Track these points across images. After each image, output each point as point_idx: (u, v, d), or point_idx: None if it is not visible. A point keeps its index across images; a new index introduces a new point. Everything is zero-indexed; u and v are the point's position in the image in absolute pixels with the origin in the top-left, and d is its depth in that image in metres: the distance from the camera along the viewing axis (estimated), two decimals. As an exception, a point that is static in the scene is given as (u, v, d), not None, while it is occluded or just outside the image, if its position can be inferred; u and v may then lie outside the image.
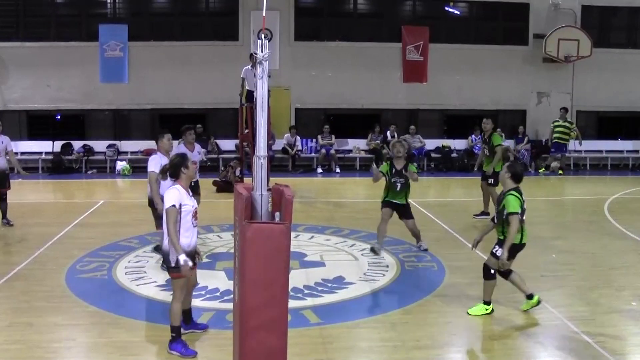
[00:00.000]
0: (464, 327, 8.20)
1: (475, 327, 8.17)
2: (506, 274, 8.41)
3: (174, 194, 7.11)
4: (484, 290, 8.49)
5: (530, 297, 8.50)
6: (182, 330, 7.35)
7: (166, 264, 7.30)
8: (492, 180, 13.82)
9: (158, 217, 9.58)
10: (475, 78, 24.29)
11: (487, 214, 13.92)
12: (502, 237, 8.19)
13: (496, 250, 8.23)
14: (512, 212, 7.95)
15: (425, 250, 11.37)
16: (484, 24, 25.07)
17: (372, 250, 11.27)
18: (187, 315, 7.70)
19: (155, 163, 9.93)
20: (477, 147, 23.80)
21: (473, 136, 24.02)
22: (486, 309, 8.45)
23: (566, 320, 8.19)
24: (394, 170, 11.15)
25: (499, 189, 12.20)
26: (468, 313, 8.47)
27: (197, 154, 12.69)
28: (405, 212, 11.37)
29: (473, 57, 24.18)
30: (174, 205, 7.03)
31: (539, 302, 8.48)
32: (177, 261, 6.97)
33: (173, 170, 7.32)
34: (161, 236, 7.67)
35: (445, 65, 23.88)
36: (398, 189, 11.13)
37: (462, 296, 9.14)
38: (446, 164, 23.61)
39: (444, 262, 10.74)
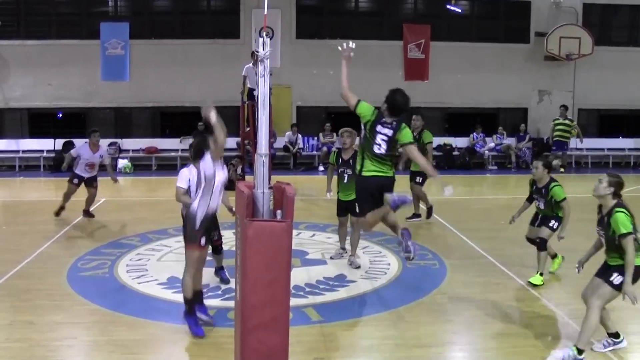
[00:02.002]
0: (466, 325, 8.19)
1: (477, 325, 8.16)
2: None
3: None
4: (538, 261, 9.49)
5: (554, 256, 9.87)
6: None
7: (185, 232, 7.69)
8: (421, 179, 13.54)
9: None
10: (476, 76, 24.32)
11: (419, 215, 13.92)
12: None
13: (552, 224, 9.40)
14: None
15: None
16: (485, 22, 25.12)
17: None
18: (198, 296, 7.84)
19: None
20: (478, 145, 23.89)
21: (474, 134, 24.08)
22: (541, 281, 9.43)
23: (568, 318, 8.18)
24: (340, 160, 10.64)
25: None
26: (529, 281, 9.46)
27: (98, 156, 13.76)
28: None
29: (474, 55, 24.21)
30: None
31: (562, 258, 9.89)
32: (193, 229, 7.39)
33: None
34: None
35: (447, 63, 23.87)
36: (345, 180, 10.47)
37: (463, 294, 9.14)
38: (447, 162, 23.58)
39: (445, 260, 10.73)
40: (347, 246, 10.76)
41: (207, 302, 8.56)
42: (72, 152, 13.99)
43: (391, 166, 8.08)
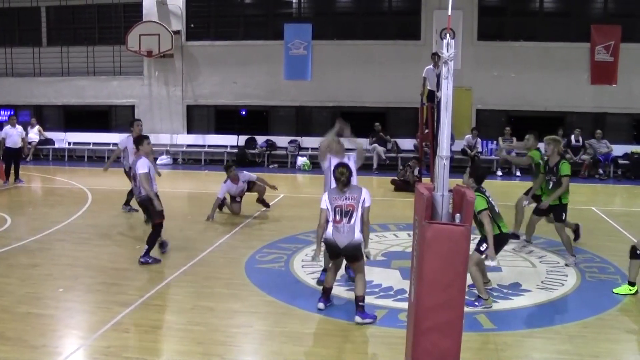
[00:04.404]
0: (648, 344, 7.75)
1: (662, 345, 7.69)
2: None
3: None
4: (629, 270, 9.17)
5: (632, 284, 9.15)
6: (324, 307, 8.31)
7: (359, 254, 8.03)
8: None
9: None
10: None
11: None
12: None
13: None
14: None
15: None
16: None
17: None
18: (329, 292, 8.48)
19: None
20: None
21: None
22: (630, 290, 9.07)
23: None
24: (547, 167, 11.09)
25: None
26: (613, 292, 9.14)
27: (242, 184, 14.22)
28: None
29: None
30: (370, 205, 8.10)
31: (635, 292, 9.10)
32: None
33: (348, 180, 8.11)
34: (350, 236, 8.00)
35: (638, 66, 22.57)
36: (550, 186, 10.91)
37: (647, 312, 8.63)
38: (635, 171, 22.27)
39: (628, 277, 10.16)
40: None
41: (379, 302, 8.62)
42: (220, 195, 13.98)
43: None
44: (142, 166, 10.42)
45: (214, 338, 7.40)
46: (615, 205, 17.62)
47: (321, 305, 8.28)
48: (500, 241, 8.73)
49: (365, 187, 8.07)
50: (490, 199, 8.64)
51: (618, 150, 22.75)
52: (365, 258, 8.10)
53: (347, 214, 7.85)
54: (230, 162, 15.07)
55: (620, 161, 22.58)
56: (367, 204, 7.92)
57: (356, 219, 7.85)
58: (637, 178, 21.84)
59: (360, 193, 7.93)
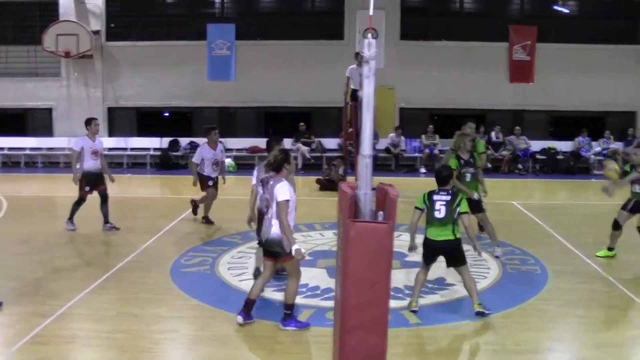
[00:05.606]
0: (567, 333, 7.98)
1: (578, 334, 7.94)
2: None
3: (286, 188, 7.55)
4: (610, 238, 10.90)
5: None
6: (242, 321, 7.80)
7: (279, 250, 7.64)
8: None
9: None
10: (584, 78, 23.51)
11: None
12: None
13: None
14: None
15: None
16: (594, 22, 24.17)
17: None
18: (252, 305, 7.93)
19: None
20: (583, 150, 23.19)
21: (580, 138, 23.38)
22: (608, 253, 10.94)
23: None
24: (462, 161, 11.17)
25: None
26: (597, 255, 10.85)
27: (219, 152, 13.53)
28: None
29: (583, 56, 23.39)
30: (287, 200, 7.50)
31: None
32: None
33: (277, 165, 7.71)
34: (268, 231, 7.80)
35: (553, 65, 23.24)
36: (468, 179, 11.10)
37: (565, 301, 8.87)
38: (552, 166, 22.99)
39: (547, 266, 10.44)
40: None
41: (306, 301, 8.62)
42: (195, 159, 13.72)
43: None
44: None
45: (139, 345, 7.27)
46: (534, 199, 18.07)
47: (240, 319, 7.81)
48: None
49: (284, 181, 7.65)
50: (430, 201, 8.29)
51: (536, 146, 23.57)
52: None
53: (267, 206, 7.75)
54: (214, 125, 14.54)
55: (538, 156, 23.39)
56: (278, 199, 7.51)
57: (273, 213, 7.67)
58: (554, 172, 22.62)
59: (275, 186, 7.59)
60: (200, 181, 13.64)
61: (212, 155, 13.55)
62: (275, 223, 7.61)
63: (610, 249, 10.98)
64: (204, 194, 13.71)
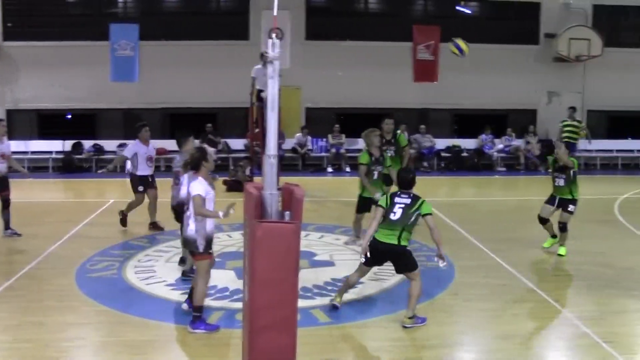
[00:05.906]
0: (474, 326, 8.20)
1: (485, 326, 8.16)
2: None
3: (199, 184, 7.61)
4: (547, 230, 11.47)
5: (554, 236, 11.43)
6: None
7: (193, 248, 7.79)
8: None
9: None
10: (485, 77, 24.22)
11: None
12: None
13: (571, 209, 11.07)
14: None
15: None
16: (495, 23, 24.99)
17: None
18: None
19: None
20: (487, 147, 23.86)
21: (483, 135, 24.07)
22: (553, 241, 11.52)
23: (576, 320, 8.16)
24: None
25: None
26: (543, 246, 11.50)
27: (152, 149, 13.32)
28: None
29: (484, 56, 23.93)
30: (200, 194, 7.55)
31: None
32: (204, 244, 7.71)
33: (194, 164, 7.80)
34: (185, 229, 7.93)
35: (456, 64, 23.70)
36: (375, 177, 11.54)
37: (472, 296, 9.13)
38: (456, 164, 23.60)
39: (453, 262, 10.68)
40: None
41: (215, 303, 8.59)
42: (127, 152, 13.25)
43: None
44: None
45: (45, 354, 7.08)
46: (440, 196, 18.44)
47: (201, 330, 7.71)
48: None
49: (200, 178, 7.68)
50: (392, 202, 8.17)
51: (441, 144, 24.16)
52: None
53: (187, 204, 7.90)
54: (145, 122, 14.07)
55: (443, 154, 23.97)
56: (192, 194, 7.61)
57: (191, 212, 7.70)
58: (459, 169, 23.20)
59: (189, 184, 7.78)
60: (131, 183, 13.16)
61: (146, 150, 13.14)
62: (191, 222, 7.69)
63: (553, 236, 11.51)
64: (129, 200, 13.19)
